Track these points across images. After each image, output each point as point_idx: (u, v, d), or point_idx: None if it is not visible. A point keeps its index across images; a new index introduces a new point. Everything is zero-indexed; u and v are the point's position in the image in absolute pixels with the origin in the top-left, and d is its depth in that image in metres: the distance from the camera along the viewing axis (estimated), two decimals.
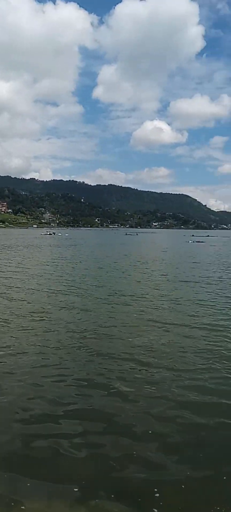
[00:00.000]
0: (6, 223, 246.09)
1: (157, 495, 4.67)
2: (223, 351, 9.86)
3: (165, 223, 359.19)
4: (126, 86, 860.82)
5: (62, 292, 18.27)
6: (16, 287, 19.32)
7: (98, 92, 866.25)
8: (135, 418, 6.54)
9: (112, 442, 5.81)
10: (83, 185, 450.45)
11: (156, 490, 4.75)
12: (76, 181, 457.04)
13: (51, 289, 18.84)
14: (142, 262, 36.21)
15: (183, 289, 19.71)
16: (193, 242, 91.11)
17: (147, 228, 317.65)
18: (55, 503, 4.55)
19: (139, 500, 4.63)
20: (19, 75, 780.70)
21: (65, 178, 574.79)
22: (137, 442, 5.81)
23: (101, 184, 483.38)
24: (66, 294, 17.66)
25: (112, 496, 4.68)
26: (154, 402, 7.12)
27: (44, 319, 12.97)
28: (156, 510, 4.45)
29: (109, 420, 6.46)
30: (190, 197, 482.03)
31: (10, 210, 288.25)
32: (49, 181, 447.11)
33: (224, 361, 9.16)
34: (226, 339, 10.91)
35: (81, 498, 4.61)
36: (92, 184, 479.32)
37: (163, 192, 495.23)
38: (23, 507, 4.47)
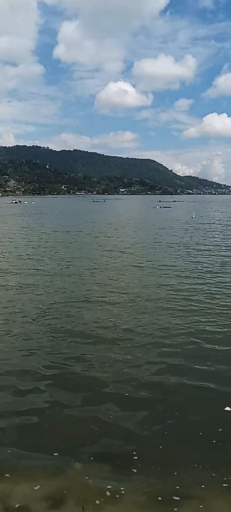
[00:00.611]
0: None
1: (136, 457, 4.84)
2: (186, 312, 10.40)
3: (132, 189, 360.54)
4: (88, 45, 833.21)
5: (31, 263, 18.44)
6: None
7: (59, 51, 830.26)
8: (110, 384, 6.64)
9: (89, 409, 5.92)
10: (48, 151, 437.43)
11: (134, 453, 4.91)
12: (41, 147, 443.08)
13: (21, 263, 18.79)
14: (110, 231, 36.88)
15: (151, 255, 20.49)
16: (160, 207, 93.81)
17: (114, 194, 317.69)
18: (37, 469, 4.62)
19: (118, 462, 4.77)
20: None
21: (29, 143, 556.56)
22: (113, 408, 5.95)
23: (67, 149, 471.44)
24: (35, 265, 17.96)
25: (92, 459, 4.81)
26: (127, 368, 7.26)
27: (11, 288, 13.24)
28: (134, 470, 4.64)
29: (85, 388, 6.56)
30: (156, 162, 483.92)
31: None
32: (12, 147, 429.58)
33: (188, 321, 9.72)
34: (189, 301, 11.45)
35: (62, 463, 4.70)
36: (57, 150, 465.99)
37: (129, 157, 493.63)
38: (7, 475, 4.54)
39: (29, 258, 19.43)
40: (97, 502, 4.08)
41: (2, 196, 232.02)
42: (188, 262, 18.20)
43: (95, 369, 7.23)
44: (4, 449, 4.99)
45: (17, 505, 4.02)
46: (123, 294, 12.36)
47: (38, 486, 4.30)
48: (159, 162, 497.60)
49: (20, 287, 13.35)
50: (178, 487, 4.32)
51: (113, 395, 6.33)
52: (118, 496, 4.19)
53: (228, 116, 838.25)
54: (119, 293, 12.41)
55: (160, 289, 12.89)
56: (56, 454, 4.89)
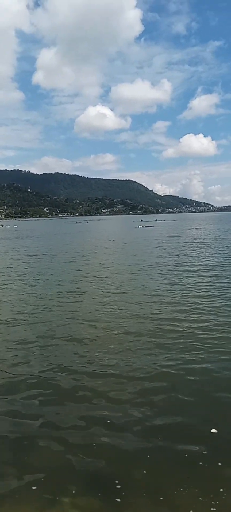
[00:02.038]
0: None
1: (118, 487, 4.70)
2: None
3: (114, 210, 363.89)
4: (67, 71, 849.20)
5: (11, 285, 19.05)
6: None
7: (38, 77, 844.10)
8: (93, 410, 6.59)
9: (75, 434, 5.84)
10: (29, 174, 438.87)
11: (117, 482, 4.78)
12: (22, 171, 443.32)
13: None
14: (92, 252, 36.81)
15: (136, 279, 19.39)
16: (142, 227, 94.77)
17: (97, 215, 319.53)
18: (23, 502, 4.51)
19: (99, 494, 4.62)
20: None
21: (10, 167, 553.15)
22: (99, 431, 5.91)
23: (48, 172, 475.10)
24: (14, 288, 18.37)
25: (80, 490, 4.70)
26: (113, 384, 7.38)
27: None
28: (119, 500, 4.52)
29: (70, 412, 6.50)
30: (136, 182, 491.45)
31: None
32: None
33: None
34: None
35: (49, 495, 4.60)
36: (38, 173, 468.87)
37: (110, 178, 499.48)
38: None
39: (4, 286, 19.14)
40: None
41: None
42: (171, 285, 17.33)
43: (76, 402, 7.02)
44: None
45: None
46: (101, 327, 11.22)
47: None
48: (139, 182, 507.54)
49: None
50: None
51: (98, 419, 6.26)
52: None
53: (205, 136, 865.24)
54: (96, 326, 11.36)
55: (141, 319, 11.88)
56: (43, 487, 4.75)
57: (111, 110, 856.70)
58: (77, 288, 17.26)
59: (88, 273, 21.88)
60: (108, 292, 16.25)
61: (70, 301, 14.72)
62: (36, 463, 5.27)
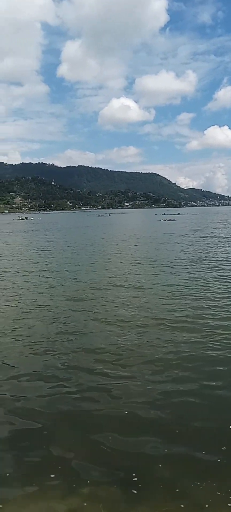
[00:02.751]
0: None
1: (135, 479, 4.81)
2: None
3: (137, 203, 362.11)
4: (91, 63, 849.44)
5: (39, 276, 19.33)
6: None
7: (63, 70, 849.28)
8: (113, 403, 6.70)
9: (94, 428, 5.93)
10: (53, 168, 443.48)
11: (134, 474, 4.89)
12: (46, 164, 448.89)
13: (30, 276, 19.81)
14: (114, 246, 36.81)
15: (158, 274, 19.13)
16: (165, 220, 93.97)
17: (119, 208, 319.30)
18: (43, 492, 4.64)
19: (116, 486, 4.74)
20: None
21: (35, 160, 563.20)
22: (112, 421, 6.07)
23: (72, 165, 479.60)
24: (43, 278, 18.72)
25: (99, 481, 4.79)
26: (131, 386, 7.30)
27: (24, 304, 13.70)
28: (135, 492, 4.62)
29: (90, 405, 6.62)
30: (159, 175, 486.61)
31: None
32: (18, 164, 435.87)
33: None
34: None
35: (68, 486, 4.71)
36: (62, 166, 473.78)
37: (133, 171, 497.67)
38: (12, 498, 4.59)
39: (32, 275, 19.53)
40: None
41: (9, 212, 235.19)
42: (194, 280, 17.07)
43: (100, 387, 7.24)
44: (9, 470, 5.06)
45: None
46: (121, 324, 11.05)
47: (46, 510, 4.40)
48: (162, 175, 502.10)
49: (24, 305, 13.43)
50: (182, 506, 4.38)
51: (117, 415, 6.36)
52: None
53: (230, 128, 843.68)
54: (116, 323, 11.28)
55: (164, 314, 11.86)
56: (62, 476, 4.90)
57: (135, 102, 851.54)
58: (97, 283, 17.15)
59: (109, 268, 21.87)
60: (129, 287, 16.08)
61: (88, 297, 14.56)
62: (55, 452, 5.42)
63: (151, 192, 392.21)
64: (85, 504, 4.46)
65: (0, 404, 6.76)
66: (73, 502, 4.51)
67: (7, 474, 5.01)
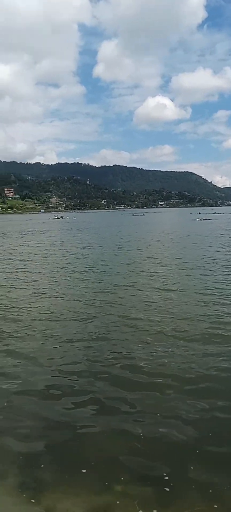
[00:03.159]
0: (14, 209, 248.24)
1: (166, 478, 4.82)
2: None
3: (171, 202, 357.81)
4: (127, 63, 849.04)
5: (79, 272, 19.78)
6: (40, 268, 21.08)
7: (99, 70, 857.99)
8: (145, 397, 6.86)
9: (127, 426, 5.99)
10: (88, 167, 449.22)
11: (164, 474, 4.90)
12: (81, 163, 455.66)
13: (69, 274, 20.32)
14: (147, 245, 36.60)
15: (192, 275, 18.64)
16: (200, 220, 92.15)
17: (153, 207, 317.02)
18: (78, 488, 4.72)
19: (149, 483, 4.78)
20: (18, 57, 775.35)
21: (70, 160, 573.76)
22: (145, 419, 6.16)
23: (106, 165, 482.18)
24: (83, 273, 19.15)
25: (131, 479, 4.83)
26: (165, 381, 7.40)
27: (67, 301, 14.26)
28: (167, 490, 4.67)
29: (123, 404, 6.69)
30: (195, 174, 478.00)
31: (17, 195, 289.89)
32: (54, 164, 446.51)
33: None
34: None
35: (101, 483, 4.77)
36: (97, 166, 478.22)
37: (168, 170, 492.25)
38: (49, 491, 4.70)
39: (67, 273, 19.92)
40: None
41: (45, 212, 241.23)
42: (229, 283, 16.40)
43: (132, 388, 7.27)
44: (52, 463, 5.22)
45: None
46: (150, 326, 10.80)
47: (81, 503, 4.49)
48: (198, 174, 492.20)
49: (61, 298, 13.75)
50: (215, 506, 4.35)
51: (150, 412, 6.38)
52: None
53: None
54: (144, 326, 11.04)
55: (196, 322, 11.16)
56: (94, 472, 4.99)
57: (171, 101, 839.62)
58: (128, 283, 16.85)
59: (142, 268, 21.58)
60: (161, 288, 15.69)
61: (119, 296, 14.39)
62: (87, 448, 5.52)
63: (186, 191, 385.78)
64: (118, 502, 4.52)
65: (33, 399, 6.97)
66: (107, 498, 4.57)
67: (42, 466, 5.16)
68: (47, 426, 6.13)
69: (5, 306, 13.40)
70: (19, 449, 5.54)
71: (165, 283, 16.97)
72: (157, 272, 19.74)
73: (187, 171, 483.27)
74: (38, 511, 4.39)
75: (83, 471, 5.03)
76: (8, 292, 15.86)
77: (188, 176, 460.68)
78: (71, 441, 5.71)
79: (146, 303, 13.41)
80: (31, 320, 11.67)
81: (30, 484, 4.84)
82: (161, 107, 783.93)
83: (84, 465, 5.14)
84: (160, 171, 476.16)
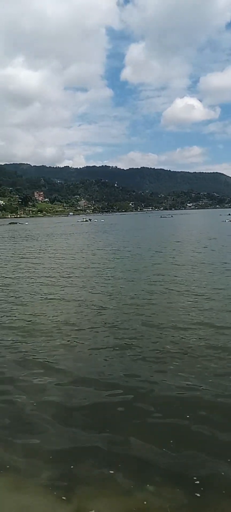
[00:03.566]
0: (44, 212, 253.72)
1: (197, 482, 4.83)
2: None
3: (200, 203, 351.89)
4: (154, 65, 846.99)
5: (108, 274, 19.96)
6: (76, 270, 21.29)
7: (126, 73, 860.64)
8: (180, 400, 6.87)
9: (161, 424, 6.14)
10: (116, 170, 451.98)
11: (195, 478, 4.90)
12: (109, 166, 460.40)
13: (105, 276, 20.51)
14: (175, 248, 36.33)
15: (221, 280, 17.83)
16: (230, 221, 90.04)
17: (181, 209, 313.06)
18: (111, 486, 4.81)
19: (180, 485, 4.81)
20: (47, 63, 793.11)
21: (98, 163, 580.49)
22: (175, 418, 6.26)
23: (134, 167, 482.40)
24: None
25: (163, 480, 4.87)
26: (198, 387, 7.32)
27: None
28: (198, 495, 4.65)
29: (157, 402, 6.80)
30: (224, 175, 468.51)
31: (47, 199, 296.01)
32: (82, 168, 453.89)
33: None
34: None
35: (135, 483, 4.84)
36: (125, 168, 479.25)
37: (197, 171, 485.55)
38: (81, 490, 4.79)
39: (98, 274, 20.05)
40: None
41: (73, 214, 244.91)
42: None
43: (161, 393, 7.25)
44: (83, 462, 5.32)
45: None
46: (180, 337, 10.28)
47: (113, 502, 4.58)
48: (227, 175, 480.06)
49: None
50: None
51: (179, 418, 6.34)
52: None
53: None
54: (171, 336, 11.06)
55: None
56: (123, 473, 5.05)
57: (200, 101, 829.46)
58: (154, 289, 16.20)
59: (167, 271, 21.08)
60: (189, 292, 15.25)
61: (144, 302, 14.04)
62: (118, 449, 5.59)
63: (215, 192, 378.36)
64: (149, 503, 4.55)
65: (62, 398, 7.13)
66: (138, 499, 4.61)
67: (72, 465, 5.27)
68: (77, 426, 6.24)
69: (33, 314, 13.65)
70: (50, 447, 5.70)
71: (193, 287, 16.32)
72: (186, 275, 19.27)
73: (216, 172, 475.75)
74: (70, 509, 4.48)
75: (114, 471, 5.09)
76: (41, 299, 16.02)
77: (217, 177, 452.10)
78: (102, 441, 5.80)
79: (172, 305, 13.33)
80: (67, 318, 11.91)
81: (61, 482, 4.94)
82: (189, 108, 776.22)
83: (115, 465, 5.21)
84: (188, 172, 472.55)
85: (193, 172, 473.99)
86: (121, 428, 6.13)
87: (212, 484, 4.83)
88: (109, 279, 19.31)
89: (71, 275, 20.83)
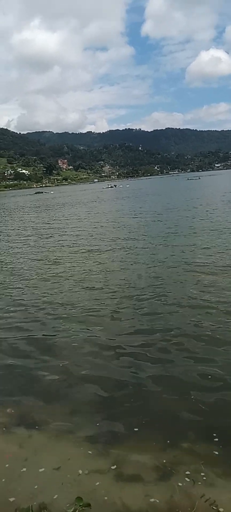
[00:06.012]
0: (69, 180, 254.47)
1: (216, 439, 4.95)
2: None
3: (229, 163, 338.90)
4: (177, 16, 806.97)
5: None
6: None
7: (147, 28, 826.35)
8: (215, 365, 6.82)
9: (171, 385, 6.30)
10: (140, 132, 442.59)
11: (214, 434, 5.02)
12: (133, 129, 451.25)
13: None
14: (203, 215, 35.07)
15: None
16: None
17: (209, 170, 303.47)
18: (148, 442, 5.02)
19: (216, 440, 4.92)
20: (66, 23, 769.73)
21: (121, 127, 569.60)
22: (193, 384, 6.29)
23: (158, 128, 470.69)
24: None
25: (198, 439, 5.00)
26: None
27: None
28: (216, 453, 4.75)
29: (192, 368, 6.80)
30: None
31: (71, 166, 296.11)
32: (105, 132, 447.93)
33: None
34: None
35: (170, 439, 5.00)
36: (149, 130, 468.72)
37: (225, 129, 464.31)
38: (122, 443, 5.05)
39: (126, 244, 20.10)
40: (205, 478, 4.32)
41: (98, 181, 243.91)
42: None
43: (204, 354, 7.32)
44: (120, 419, 5.55)
45: (131, 473, 4.51)
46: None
47: (149, 457, 4.74)
48: None
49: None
50: None
51: (212, 378, 6.41)
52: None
53: None
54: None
55: None
56: (161, 430, 5.23)
57: (227, 53, 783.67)
58: (179, 260, 15.11)
59: (192, 242, 18.95)
60: (220, 267, 13.49)
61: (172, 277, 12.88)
62: (153, 407, 5.81)
63: None
64: (183, 459, 4.69)
65: (101, 360, 7.39)
66: (173, 454, 4.76)
67: (110, 421, 5.52)
68: (115, 384, 6.52)
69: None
70: (88, 404, 6.00)
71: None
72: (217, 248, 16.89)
73: None
74: (108, 463, 4.69)
75: (149, 428, 5.31)
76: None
77: None
78: (138, 399, 6.01)
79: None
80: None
81: (100, 437, 5.19)
82: (215, 61, 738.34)
83: (150, 423, 5.43)
84: (215, 131, 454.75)
85: (221, 130, 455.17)
86: (156, 386, 6.33)
87: None
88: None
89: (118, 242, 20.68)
